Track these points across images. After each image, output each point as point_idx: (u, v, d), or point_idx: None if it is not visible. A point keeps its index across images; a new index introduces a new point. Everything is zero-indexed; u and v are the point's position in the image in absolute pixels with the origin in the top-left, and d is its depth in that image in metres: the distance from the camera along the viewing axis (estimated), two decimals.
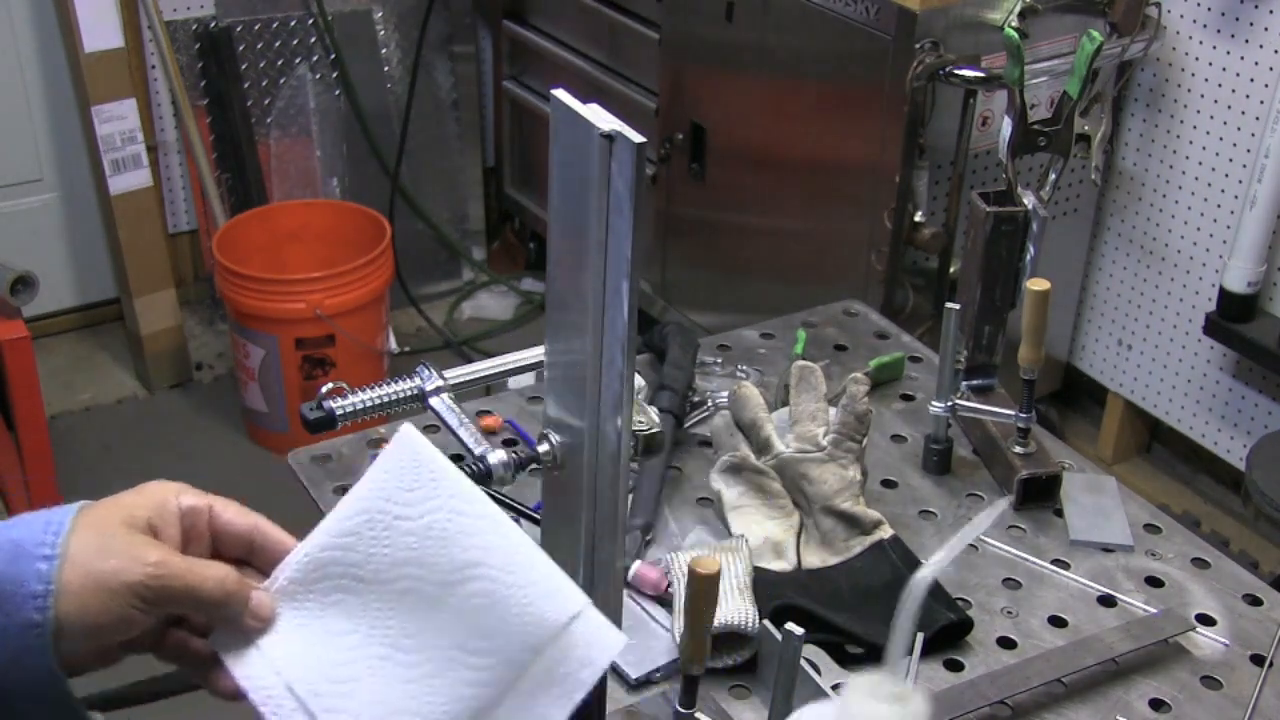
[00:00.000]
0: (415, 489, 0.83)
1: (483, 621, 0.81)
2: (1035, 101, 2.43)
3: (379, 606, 0.83)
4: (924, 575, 0.87)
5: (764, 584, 1.29)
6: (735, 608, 1.22)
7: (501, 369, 1.40)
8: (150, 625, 0.81)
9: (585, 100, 0.84)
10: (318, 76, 3.40)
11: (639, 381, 1.52)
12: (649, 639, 1.27)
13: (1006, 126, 1.79)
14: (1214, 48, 2.66)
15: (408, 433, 0.85)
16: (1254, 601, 1.36)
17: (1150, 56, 2.74)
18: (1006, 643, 1.30)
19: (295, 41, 3.39)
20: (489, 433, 1.47)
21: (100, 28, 3.04)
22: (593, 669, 0.81)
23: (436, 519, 0.82)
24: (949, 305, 1.44)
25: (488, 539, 0.82)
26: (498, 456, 1.13)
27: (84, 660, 0.81)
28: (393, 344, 3.24)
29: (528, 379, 1.52)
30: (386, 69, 3.51)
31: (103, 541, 0.79)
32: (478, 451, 1.31)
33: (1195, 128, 2.74)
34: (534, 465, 0.98)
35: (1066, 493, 1.48)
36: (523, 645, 0.81)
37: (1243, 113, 2.64)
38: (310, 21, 3.38)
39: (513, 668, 0.81)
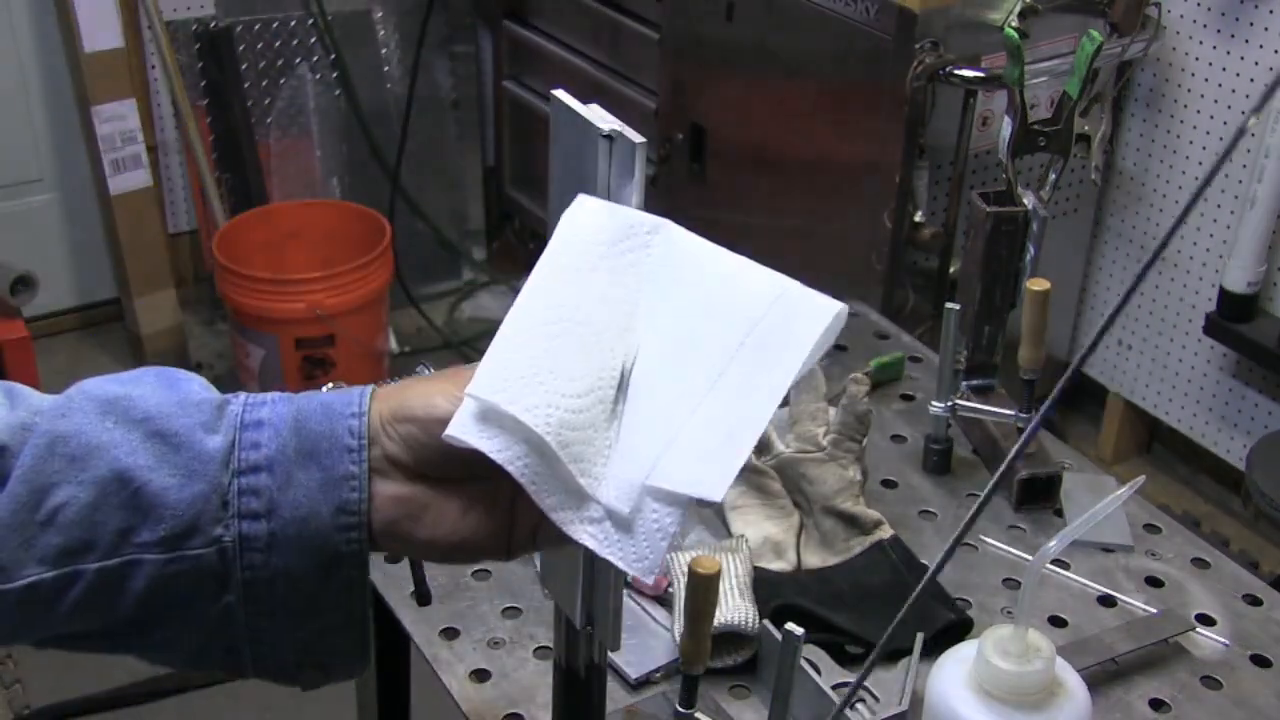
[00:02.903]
0: (614, 239, 0.81)
1: (692, 321, 0.78)
2: (1035, 101, 2.43)
3: (604, 345, 0.79)
4: (1050, 550, 1.00)
5: (764, 584, 1.29)
6: (735, 608, 1.22)
7: None
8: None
9: (585, 100, 0.84)
10: (318, 76, 3.40)
11: None
12: (649, 639, 1.27)
13: (1006, 126, 1.79)
14: (1214, 48, 2.66)
15: (583, 202, 0.82)
16: (1254, 601, 1.36)
17: (1150, 56, 2.74)
18: None
19: (295, 41, 3.39)
20: None
21: (100, 28, 3.04)
22: (816, 320, 0.77)
23: (636, 256, 0.81)
24: (949, 305, 1.44)
25: (685, 247, 0.80)
26: None
27: (409, 526, 0.79)
28: (393, 344, 3.24)
29: None
30: (386, 69, 3.51)
31: (433, 378, 0.79)
32: None
33: (1195, 128, 2.74)
34: None
35: (1066, 493, 1.48)
36: (736, 323, 0.77)
37: (1242, 113, 2.64)
38: (310, 21, 3.38)
39: (728, 352, 0.77)
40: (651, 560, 0.77)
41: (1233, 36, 2.63)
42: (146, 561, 0.75)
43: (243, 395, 0.81)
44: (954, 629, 1.28)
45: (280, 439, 0.77)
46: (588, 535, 0.77)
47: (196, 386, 0.81)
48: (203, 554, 0.76)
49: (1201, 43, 2.68)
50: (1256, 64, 2.60)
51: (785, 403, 1.45)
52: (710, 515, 1.43)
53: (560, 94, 0.84)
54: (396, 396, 0.79)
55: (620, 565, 0.76)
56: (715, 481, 0.74)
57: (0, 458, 0.75)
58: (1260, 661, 1.29)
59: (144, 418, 0.76)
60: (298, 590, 0.78)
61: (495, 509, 0.80)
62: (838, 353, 1.71)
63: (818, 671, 1.21)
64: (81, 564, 0.75)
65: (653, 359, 0.79)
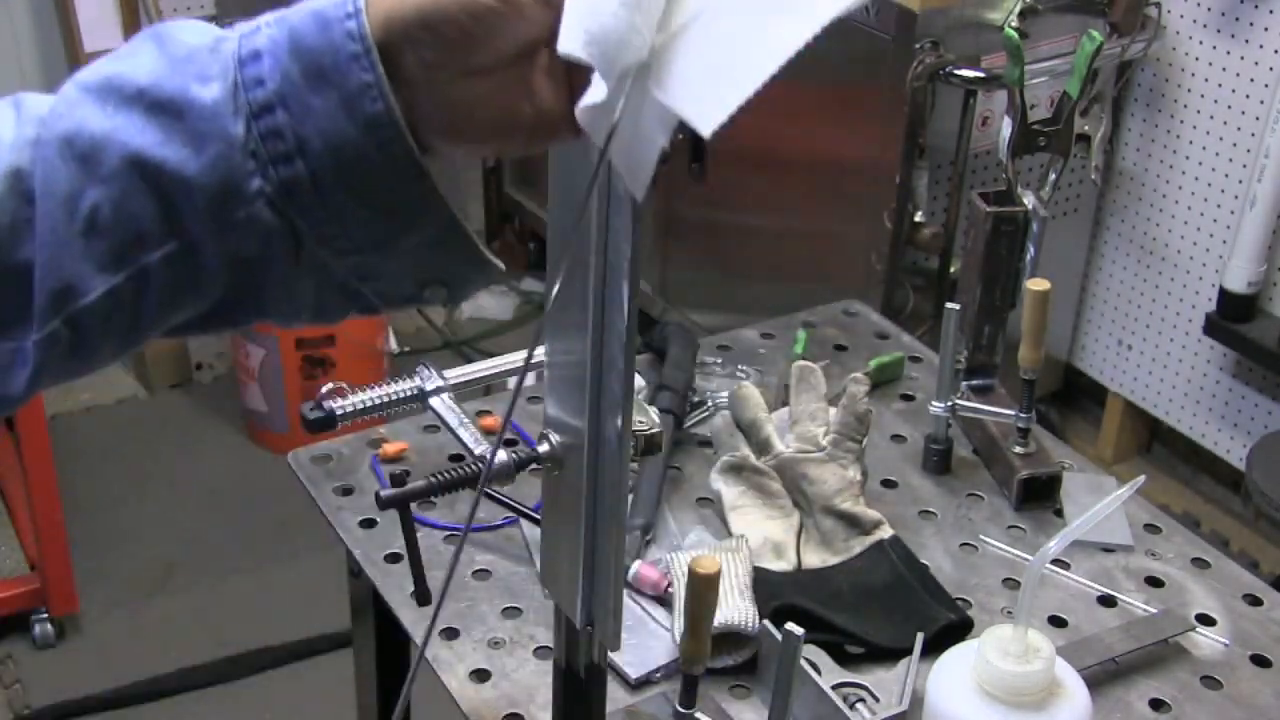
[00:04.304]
0: None
1: None
2: (1035, 101, 2.43)
3: None
4: (1050, 550, 0.99)
5: (764, 584, 1.29)
6: (735, 608, 1.22)
7: (501, 369, 1.40)
8: (517, 41, 0.69)
9: None
10: None
11: (639, 381, 1.52)
12: (649, 639, 1.27)
13: (1006, 126, 1.80)
14: (1214, 48, 2.66)
15: None
16: (1254, 601, 1.36)
17: (1150, 56, 2.74)
18: None
19: None
20: (489, 433, 1.47)
21: (100, 28, 3.04)
22: None
23: None
24: (949, 305, 1.44)
25: None
26: (498, 456, 1.13)
27: (448, 120, 0.71)
28: (393, 344, 3.24)
29: (528, 379, 1.52)
30: None
31: None
32: (478, 451, 1.32)
33: (1195, 128, 2.74)
34: (534, 465, 0.98)
35: (1066, 493, 1.48)
36: None
37: (1243, 113, 2.64)
38: None
39: None
40: (642, 173, 0.71)
41: (1233, 36, 2.63)
42: (202, 240, 0.70)
43: (239, 27, 0.72)
44: (954, 629, 1.28)
45: (282, 68, 0.69)
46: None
47: (189, 36, 0.72)
48: (253, 216, 0.70)
49: (1201, 43, 2.68)
50: (1256, 64, 2.60)
51: (785, 402, 1.46)
52: (710, 515, 1.43)
53: None
54: None
55: (620, 168, 0.71)
56: (711, 110, 0.66)
57: (20, 181, 0.70)
58: (1260, 661, 1.29)
59: (138, 91, 0.69)
60: (369, 223, 0.71)
61: (531, 76, 0.72)
62: (838, 353, 1.71)
63: (818, 671, 1.21)
64: (143, 259, 0.70)
65: None
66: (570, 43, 0.67)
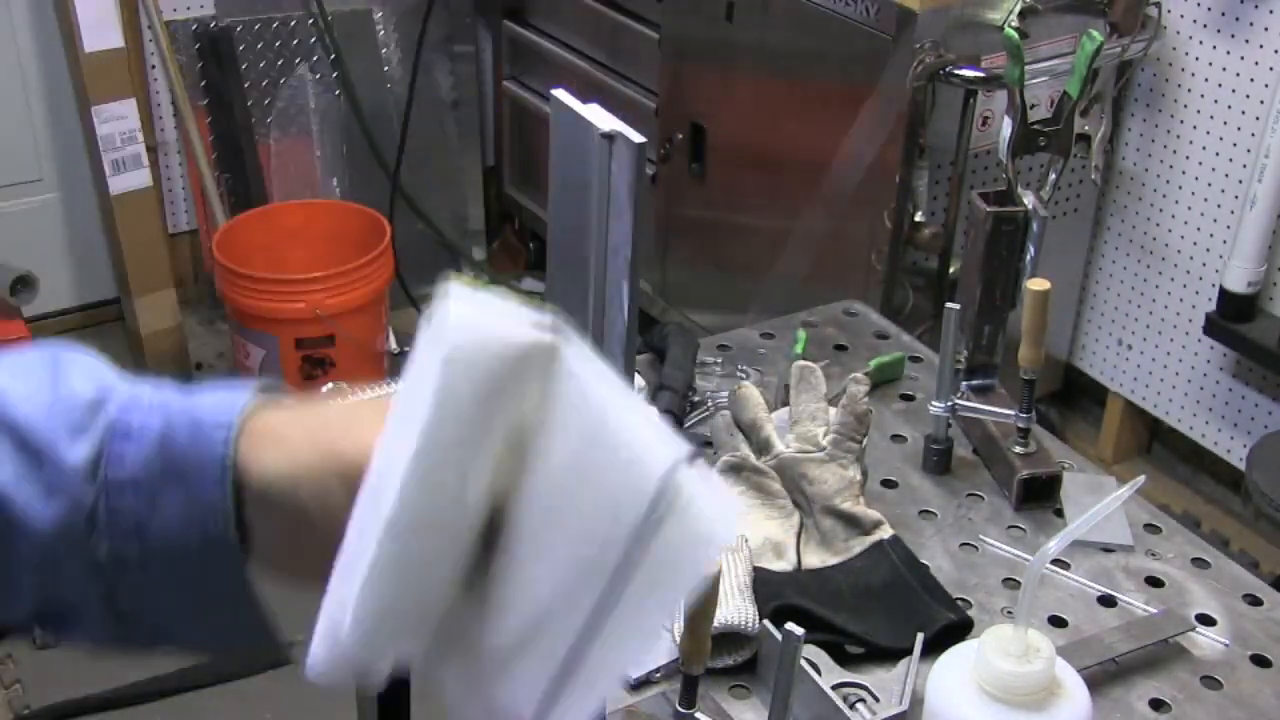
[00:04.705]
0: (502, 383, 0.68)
1: (575, 493, 0.65)
2: (1035, 101, 2.43)
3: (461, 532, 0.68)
4: (1050, 550, 0.99)
5: (764, 584, 1.29)
6: (735, 608, 1.22)
7: None
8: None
9: (585, 100, 0.84)
10: (318, 76, 3.40)
11: (639, 381, 1.52)
12: None
13: (1006, 126, 1.80)
14: (1214, 48, 2.66)
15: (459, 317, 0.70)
16: (1254, 601, 1.36)
17: (1150, 56, 2.74)
18: None
19: (295, 41, 3.38)
20: None
21: (100, 28, 3.04)
22: (706, 542, 0.63)
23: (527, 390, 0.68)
24: (949, 305, 1.44)
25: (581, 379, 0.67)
26: None
27: (282, 559, 0.74)
28: (393, 344, 3.24)
29: None
30: (386, 69, 3.51)
31: (356, 410, 0.74)
32: None
33: (1195, 128, 2.74)
34: None
35: (1066, 493, 1.48)
36: (623, 517, 0.63)
37: (1243, 113, 2.64)
38: (310, 21, 3.38)
39: (608, 561, 0.63)
40: None
41: (1233, 36, 2.63)
42: (22, 575, 0.74)
43: (127, 391, 0.75)
44: (954, 629, 1.28)
45: (145, 457, 0.72)
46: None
47: (79, 380, 0.74)
48: (78, 572, 0.74)
49: (1201, 43, 2.68)
50: (1256, 64, 2.60)
51: (785, 402, 1.46)
52: None
53: (560, 94, 0.85)
54: (266, 443, 0.72)
55: None
56: None
57: None
58: (1260, 661, 1.29)
59: (13, 426, 0.73)
60: (181, 602, 0.75)
61: None
62: (838, 353, 1.71)
63: (818, 671, 1.21)
64: None
65: (524, 528, 0.67)
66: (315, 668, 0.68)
